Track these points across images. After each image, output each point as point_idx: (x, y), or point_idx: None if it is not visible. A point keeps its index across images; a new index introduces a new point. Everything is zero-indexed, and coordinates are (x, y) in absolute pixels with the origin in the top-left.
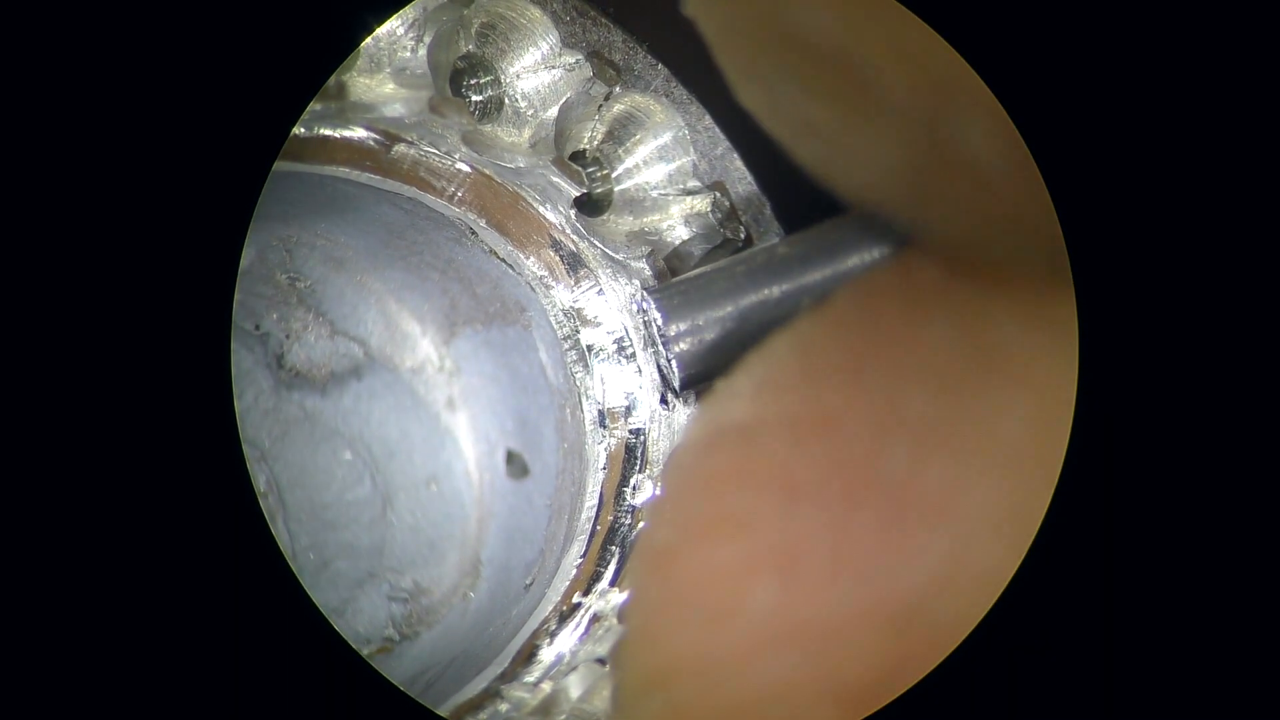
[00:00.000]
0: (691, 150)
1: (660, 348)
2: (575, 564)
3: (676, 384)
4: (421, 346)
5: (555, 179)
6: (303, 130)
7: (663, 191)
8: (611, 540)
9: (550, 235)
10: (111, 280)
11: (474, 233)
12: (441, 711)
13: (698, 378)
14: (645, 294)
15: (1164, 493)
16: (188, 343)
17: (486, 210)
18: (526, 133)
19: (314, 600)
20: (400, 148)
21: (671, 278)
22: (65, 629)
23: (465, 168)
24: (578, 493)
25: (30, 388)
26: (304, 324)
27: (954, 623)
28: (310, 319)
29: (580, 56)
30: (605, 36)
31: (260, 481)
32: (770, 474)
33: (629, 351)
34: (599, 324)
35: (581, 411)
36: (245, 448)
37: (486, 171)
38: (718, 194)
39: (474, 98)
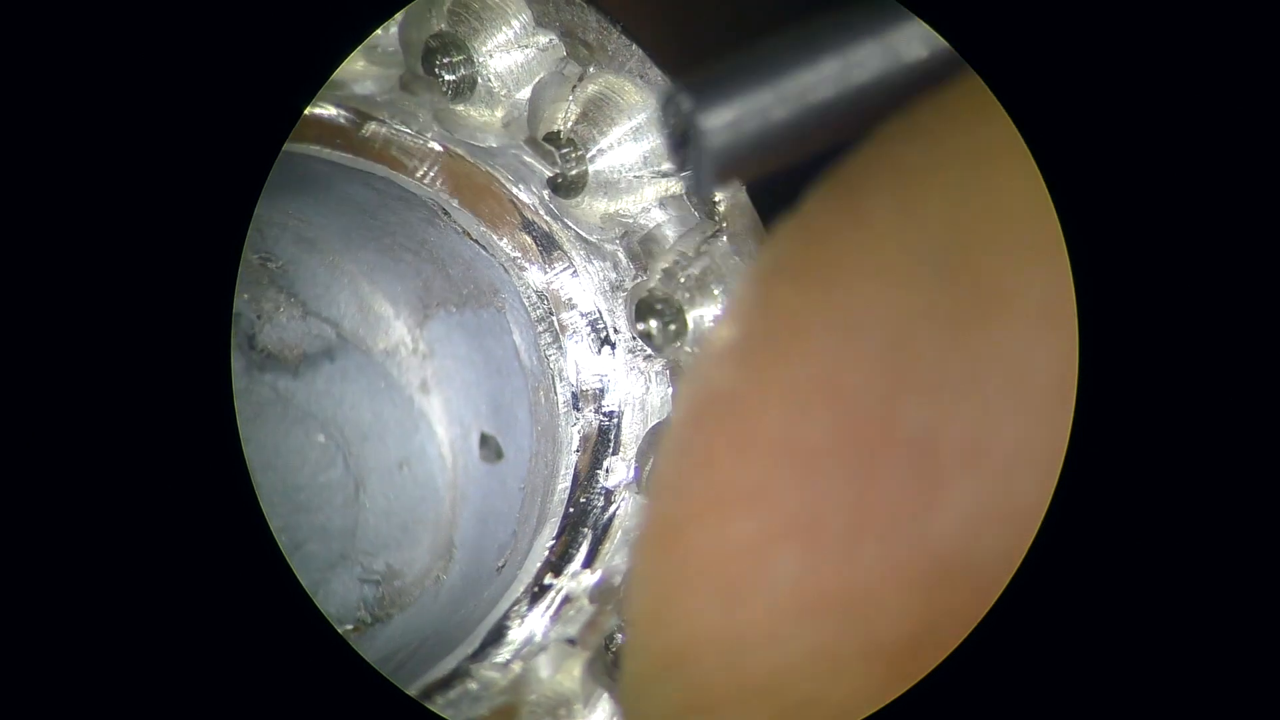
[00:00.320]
0: None
1: (690, 143)
2: (547, 546)
3: (708, 183)
4: (395, 329)
5: (528, 159)
6: None
7: (637, 173)
8: (583, 522)
9: (523, 216)
10: (86, 263)
11: (447, 213)
12: (410, 691)
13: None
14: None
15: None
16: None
17: (459, 190)
18: (499, 112)
19: (295, 577)
20: (371, 126)
21: (645, 261)
22: (44, 602)
23: (437, 146)
24: (551, 475)
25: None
26: (276, 305)
27: (994, 568)
28: (282, 299)
29: (554, 36)
30: (579, 16)
31: None
32: (773, 443)
33: (604, 334)
34: (573, 306)
35: (555, 394)
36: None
37: (459, 151)
38: None
39: (446, 76)
